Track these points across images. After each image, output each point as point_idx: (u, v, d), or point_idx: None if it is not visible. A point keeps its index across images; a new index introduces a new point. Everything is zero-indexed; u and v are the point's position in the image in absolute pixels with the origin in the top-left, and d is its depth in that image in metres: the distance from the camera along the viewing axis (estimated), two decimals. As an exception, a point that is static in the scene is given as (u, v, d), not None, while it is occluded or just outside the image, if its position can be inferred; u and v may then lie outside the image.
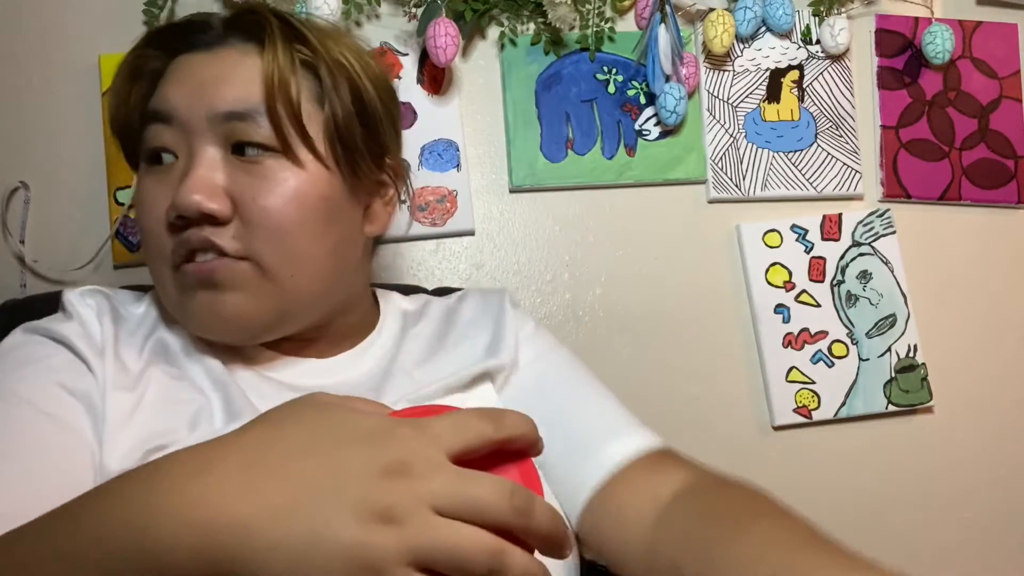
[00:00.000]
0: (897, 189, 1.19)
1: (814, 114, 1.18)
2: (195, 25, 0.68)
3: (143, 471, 0.43)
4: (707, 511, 0.56)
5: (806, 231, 1.17)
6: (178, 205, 0.61)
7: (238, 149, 0.63)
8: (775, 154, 1.17)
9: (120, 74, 0.69)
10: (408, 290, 0.87)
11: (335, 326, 0.72)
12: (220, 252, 0.62)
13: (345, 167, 0.67)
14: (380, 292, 0.81)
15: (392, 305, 0.79)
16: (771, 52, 1.18)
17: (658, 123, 1.14)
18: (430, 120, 1.10)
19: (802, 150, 1.17)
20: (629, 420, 0.70)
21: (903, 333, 1.16)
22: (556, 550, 0.41)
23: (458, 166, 1.10)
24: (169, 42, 0.68)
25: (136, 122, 0.68)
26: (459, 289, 0.96)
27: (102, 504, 0.42)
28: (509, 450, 0.43)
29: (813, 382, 1.14)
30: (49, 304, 0.72)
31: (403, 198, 0.76)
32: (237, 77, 0.64)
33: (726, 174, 1.16)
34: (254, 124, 0.63)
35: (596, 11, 1.13)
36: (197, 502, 0.39)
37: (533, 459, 0.44)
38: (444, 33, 1.02)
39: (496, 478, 0.39)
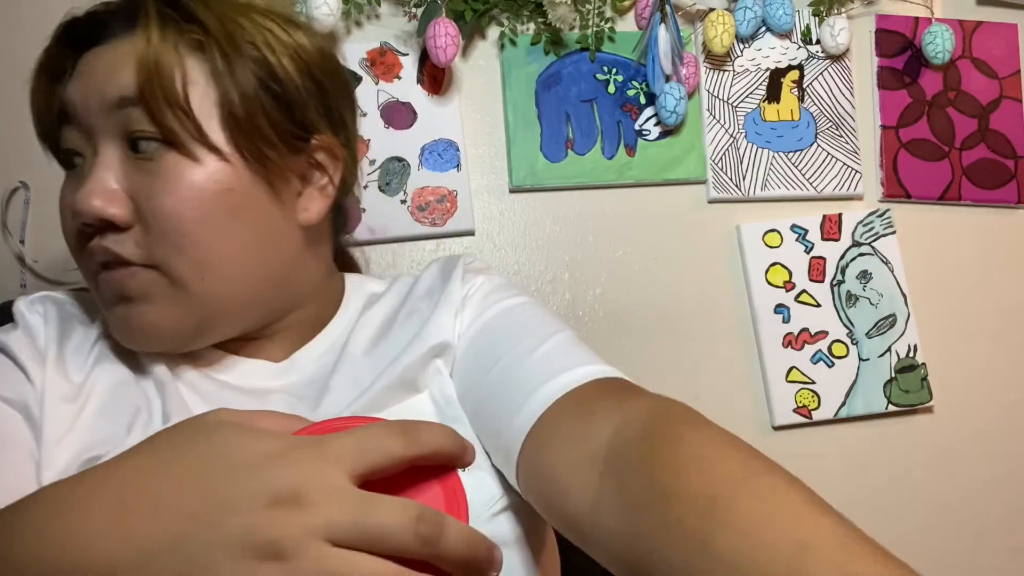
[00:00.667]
0: (897, 189, 1.19)
1: (814, 114, 1.18)
2: (96, 16, 0.62)
3: (17, 506, 0.40)
4: (649, 492, 0.42)
5: (806, 231, 1.17)
6: (77, 211, 0.57)
7: (135, 144, 0.58)
8: (775, 154, 1.17)
9: (36, 75, 0.64)
10: None
11: (288, 322, 0.67)
12: (124, 262, 0.58)
13: (249, 155, 0.59)
14: (351, 277, 0.75)
15: (359, 290, 0.73)
16: (771, 52, 1.18)
17: (658, 123, 1.14)
18: (430, 120, 1.10)
19: (802, 150, 1.17)
20: (576, 359, 0.58)
21: (903, 333, 1.16)
22: (476, 574, 0.38)
23: (458, 166, 1.10)
24: (76, 38, 0.63)
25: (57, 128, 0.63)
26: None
27: None
28: (431, 465, 0.39)
29: (813, 382, 1.14)
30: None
31: (333, 174, 0.67)
32: (126, 63, 0.58)
33: (726, 174, 1.16)
34: (140, 111, 0.57)
35: (596, 11, 1.13)
36: (61, 543, 0.36)
37: (461, 471, 0.40)
38: (444, 33, 1.02)
39: (401, 502, 0.36)
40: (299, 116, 0.63)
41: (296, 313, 0.67)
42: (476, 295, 0.66)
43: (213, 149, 0.58)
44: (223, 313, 0.61)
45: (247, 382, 0.64)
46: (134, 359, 0.64)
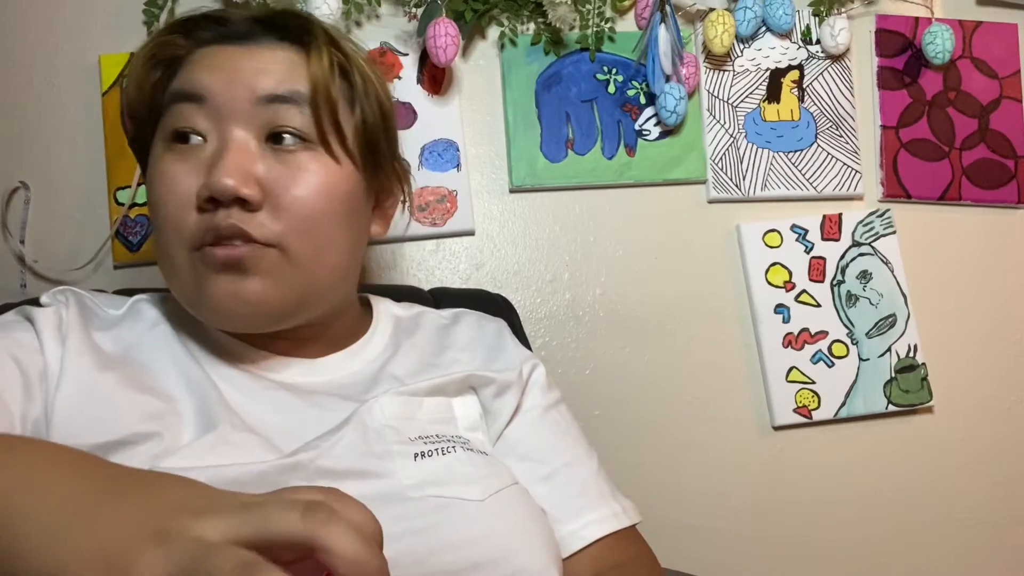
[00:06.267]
0: (897, 189, 1.19)
1: (814, 114, 1.18)
2: (224, 20, 0.69)
3: None
4: None
5: (806, 231, 1.17)
6: (213, 187, 0.61)
7: (273, 138, 0.64)
8: (775, 154, 1.17)
9: (140, 58, 0.69)
10: (401, 294, 0.87)
11: (329, 328, 0.72)
12: (248, 239, 0.62)
13: (369, 167, 0.70)
14: (372, 297, 0.82)
15: (384, 309, 0.80)
16: (771, 52, 1.18)
17: (658, 123, 1.14)
18: (430, 120, 1.10)
19: (802, 150, 1.17)
20: (603, 491, 0.75)
21: (903, 333, 1.16)
22: None
23: (458, 166, 1.10)
24: (196, 32, 0.69)
25: (154, 106, 0.69)
26: (445, 292, 0.97)
27: None
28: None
29: (813, 382, 1.14)
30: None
31: (404, 199, 0.78)
32: (279, 67, 0.66)
33: (726, 174, 1.16)
34: (296, 110, 0.65)
35: (596, 11, 1.13)
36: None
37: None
38: (444, 33, 1.02)
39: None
40: (392, 144, 0.74)
41: (338, 320, 0.74)
42: (542, 385, 0.78)
43: (350, 156, 0.68)
44: (316, 297, 0.68)
45: (290, 379, 0.68)
46: (160, 361, 0.66)
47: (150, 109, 0.69)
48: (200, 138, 0.65)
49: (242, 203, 0.62)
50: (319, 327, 0.71)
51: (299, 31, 0.68)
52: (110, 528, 0.35)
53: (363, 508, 0.37)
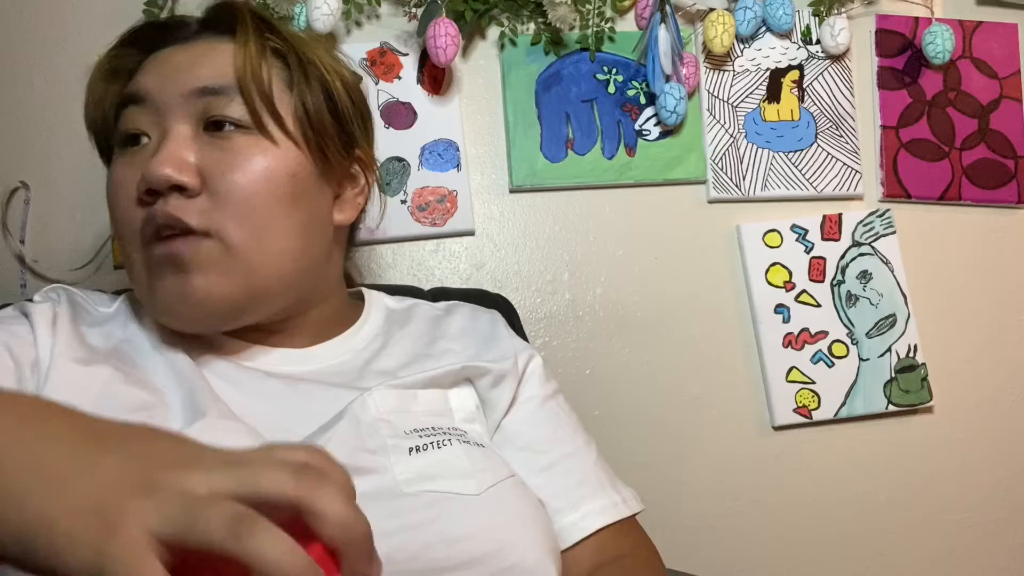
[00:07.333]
0: (897, 189, 1.19)
1: (814, 114, 1.18)
2: (171, 25, 0.72)
3: None
4: None
5: (806, 231, 1.17)
6: (147, 178, 0.62)
7: (211, 126, 0.65)
8: (775, 154, 1.17)
9: (97, 73, 0.72)
10: (395, 291, 0.87)
11: (306, 318, 0.72)
12: (185, 228, 0.62)
13: (314, 148, 0.68)
14: (365, 290, 0.82)
15: (377, 301, 0.80)
16: (771, 52, 1.18)
17: (658, 123, 1.14)
18: (430, 120, 1.10)
19: (802, 150, 1.17)
20: (602, 481, 0.75)
21: (903, 333, 1.16)
22: None
23: (458, 166, 1.10)
24: (145, 41, 0.71)
25: (111, 118, 0.70)
26: (445, 292, 0.98)
27: None
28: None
29: (813, 382, 1.14)
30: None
31: (369, 187, 0.77)
32: (210, 59, 0.67)
33: (726, 174, 1.16)
34: (227, 99, 0.65)
35: (596, 11, 1.13)
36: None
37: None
38: (444, 33, 1.02)
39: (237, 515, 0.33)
40: (347, 128, 0.72)
41: (316, 309, 0.73)
42: (539, 375, 0.78)
43: (289, 137, 0.67)
44: (266, 288, 0.66)
45: (275, 368, 0.68)
46: (150, 357, 0.67)
47: (106, 121, 0.71)
48: (146, 138, 0.66)
49: (180, 190, 0.63)
50: (299, 316, 0.71)
51: (231, 22, 0.69)
52: (100, 479, 0.35)
53: (343, 470, 0.37)
